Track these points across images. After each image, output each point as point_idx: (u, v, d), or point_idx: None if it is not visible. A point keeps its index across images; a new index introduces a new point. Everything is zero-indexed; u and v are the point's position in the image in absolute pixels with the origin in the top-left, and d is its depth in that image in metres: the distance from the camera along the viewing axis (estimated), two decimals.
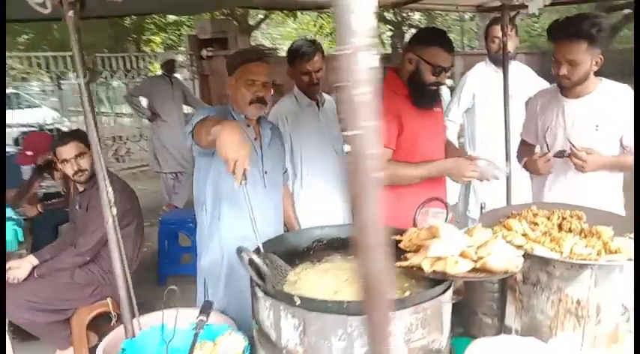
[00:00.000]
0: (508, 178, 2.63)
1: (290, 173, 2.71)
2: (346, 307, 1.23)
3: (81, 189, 2.86)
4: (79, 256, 2.72)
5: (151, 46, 16.76)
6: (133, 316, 1.51)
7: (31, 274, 2.79)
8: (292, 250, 1.68)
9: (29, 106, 13.92)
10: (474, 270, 1.29)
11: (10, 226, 3.69)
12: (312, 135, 2.75)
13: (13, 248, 3.55)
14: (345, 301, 1.23)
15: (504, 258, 1.26)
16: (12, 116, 11.81)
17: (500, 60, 3.26)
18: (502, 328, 1.58)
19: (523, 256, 1.33)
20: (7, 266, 2.91)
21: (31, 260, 2.82)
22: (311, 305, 1.24)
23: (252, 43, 11.85)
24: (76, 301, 2.77)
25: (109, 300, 2.84)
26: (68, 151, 2.70)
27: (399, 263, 1.37)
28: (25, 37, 15.49)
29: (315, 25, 15.84)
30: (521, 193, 2.76)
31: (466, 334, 1.71)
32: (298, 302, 1.24)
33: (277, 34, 19.33)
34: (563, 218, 1.52)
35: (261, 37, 15.49)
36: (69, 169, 2.73)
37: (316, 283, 1.49)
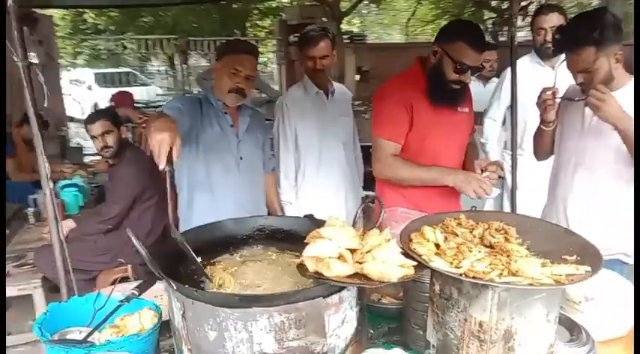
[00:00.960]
0: (513, 190, 2.42)
1: (293, 162, 2.72)
2: (215, 298, 1.24)
3: (111, 162, 3.12)
4: (102, 223, 2.99)
5: (258, 31, 17.46)
6: (68, 283, 1.64)
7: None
8: (230, 237, 1.71)
9: (143, 84, 15.29)
10: (357, 275, 1.23)
11: (71, 192, 4.12)
12: (317, 124, 2.73)
13: (74, 212, 3.97)
14: (217, 291, 1.24)
15: (382, 266, 1.17)
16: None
17: (547, 53, 2.98)
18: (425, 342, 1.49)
19: (420, 266, 1.24)
20: (48, 228, 3.28)
21: (69, 224, 3.15)
22: (186, 292, 1.27)
23: (343, 29, 11.83)
24: (99, 264, 3.04)
25: (129, 266, 3.08)
26: (96, 128, 2.95)
27: (292, 260, 1.34)
28: (145, 20, 16.89)
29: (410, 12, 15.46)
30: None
31: (401, 343, 1.64)
32: (175, 287, 1.27)
33: (370, 20, 19.11)
34: (487, 230, 1.37)
35: (348, 24, 15.44)
36: (97, 145, 2.99)
37: (227, 271, 1.51)
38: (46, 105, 1.58)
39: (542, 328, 1.28)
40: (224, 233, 1.70)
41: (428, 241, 1.32)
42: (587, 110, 2.04)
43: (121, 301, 1.56)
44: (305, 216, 1.76)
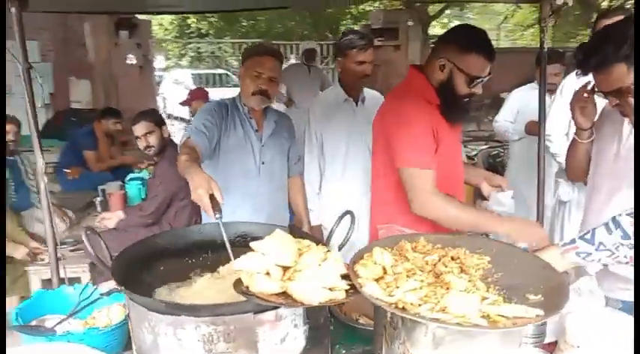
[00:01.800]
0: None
1: (318, 168, 2.69)
2: (146, 302, 1.26)
3: (155, 160, 3.30)
4: (142, 217, 3.17)
5: None
6: (58, 274, 1.75)
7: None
8: (210, 242, 1.71)
9: (235, 86, 16.03)
10: (286, 294, 1.18)
11: (136, 185, 4.40)
12: (344, 131, 2.67)
13: (135, 203, 4.25)
14: (150, 298, 1.24)
15: (304, 286, 1.11)
16: (223, 93, 13.99)
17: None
18: None
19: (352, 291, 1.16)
20: (101, 216, 3.55)
21: (119, 215, 3.38)
22: (126, 293, 1.30)
23: (430, 34, 11.52)
24: None
25: None
26: (139, 129, 3.13)
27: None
28: (242, 25, 17.73)
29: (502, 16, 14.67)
30: None
31: None
32: (120, 288, 1.30)
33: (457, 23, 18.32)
34: (443, 258, 1.24)
35: (443, 27, 14.97)
36: (141, 145, 3.17)
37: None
38: (41, 103, 1.69)
39: None
40: (203, 237, 1.71)
41: (375, 263, 1.23)
42: (626, 127, 1.79)
43: (102, 294, 1.64)
44: (289, 226, 1.74)
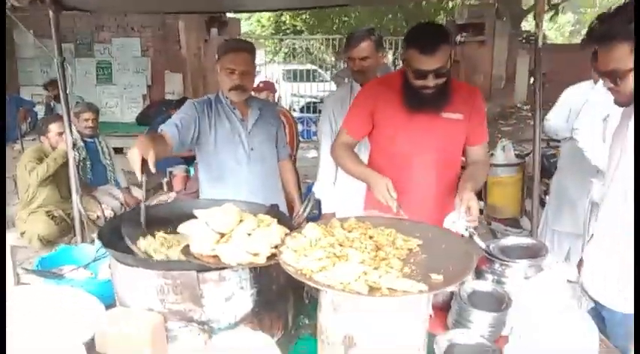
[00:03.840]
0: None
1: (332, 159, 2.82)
2: (116, 255, 1.49)
3: None
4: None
5: None
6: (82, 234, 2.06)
7: None
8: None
9: (322, 81, 16.38)
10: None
11: (183, 166, 4.78)
12: None
13: None
14: (115, 250, 1.47)
15: (226, 249, 1.28)
16: (310, 88, 14.53)
17: None
18: None
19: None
20: (159, 196, 3.97)
21: (171, 195, 3.77)
22: (103, 246, 1.55)
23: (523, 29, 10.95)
24: None
25: None
26: None
27: None
28: (333, 21, 18.01)
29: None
30: None
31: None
32: (100, 242, 1.56)
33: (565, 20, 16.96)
34: (363, 235, 1.34)
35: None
36: None
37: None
38: (68, 92, 2.01)
39: (396, 342, 1.23)
40: (184, 212, 1.88)
41: (305, 236, 1.36)
42: (631, 131, 1.70)
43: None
44: (271, 205, 1.90)
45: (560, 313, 1.54)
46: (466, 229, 1.79)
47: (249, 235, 1.37)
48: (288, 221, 1.65)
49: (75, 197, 2.28)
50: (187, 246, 1.42)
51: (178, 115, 2.27)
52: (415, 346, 1.25)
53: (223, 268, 1.41)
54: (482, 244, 1.86)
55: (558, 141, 3.90)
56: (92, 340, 1.45)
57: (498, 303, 1.65)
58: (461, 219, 1.78)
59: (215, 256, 1.35)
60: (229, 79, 2.30)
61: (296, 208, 2.71)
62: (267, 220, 1.55)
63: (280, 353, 1.31)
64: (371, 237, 1.35)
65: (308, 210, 1.67)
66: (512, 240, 1.95)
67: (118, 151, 7.26)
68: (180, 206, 1.92)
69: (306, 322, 1.77)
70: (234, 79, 2.29)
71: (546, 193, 4.21)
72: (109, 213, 3.69)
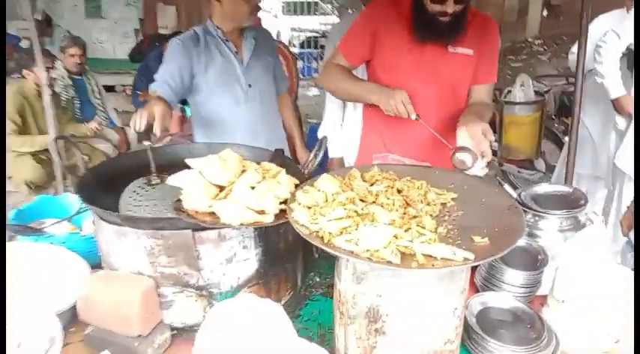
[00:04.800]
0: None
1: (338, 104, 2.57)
2: (97, 211, 1.28)
3: None
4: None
5: None
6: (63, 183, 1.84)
7: None
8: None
9: (323, 14, 15.63)
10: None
11: (179, 105, 4.49)
12: None
13: None
14: (96, 207, 1.26)
15: (224, 206, 1.06)
16: (311, 21, 13.95)
17: None
18: None
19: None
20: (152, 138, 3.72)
21: (166, 139, 3.52)
22: (81, 200, 1.33)
23: None
24: None
25: None
26: None
27: None
28: None
29: None
30: None
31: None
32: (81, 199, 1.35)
33: None
34: (389, 189, 1.12)
35: None
36: None
37: None
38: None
39: (430, 318, 1.04)
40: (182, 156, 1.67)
41: (319, 191, 1.14)
42: None
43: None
44: (275, 150, 1.67)
45: (603, 269, 1.36)
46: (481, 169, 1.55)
47: (252, 188, 1.14)
48: (296, 170, 1.43)
49: (51, 137, 2.03)
50: (180, 201, 1.20)
51: (167, 69, 1.98)
52: (452, 324, 1.06)
53: (222, 227, 1.20)
54: (513, 193, 1.66)
55: None
56: (74, 307, 1.27)
57: (532, 259, 1.47)
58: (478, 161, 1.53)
59: (212, 214, 1.13)
60: (247, 5, 2.00)
61: (299, 151, 2.48)
62: (273, 169, 1.32)
63: (289, 321, 1.13)
64: (399, 191, 1.13)
65: (320, 156, 1.43)
66: (544, 187, 1.74)
67: (110, 89, 6.96)
68: (175, 152, 1.69)
69: (317, 280, 1.60)
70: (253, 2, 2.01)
71: (565, 132, 3.97)
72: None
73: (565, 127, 4.19)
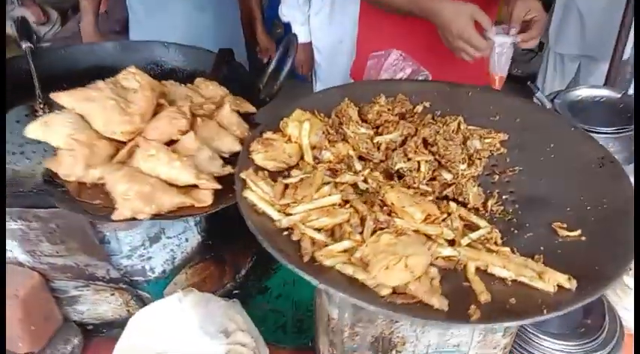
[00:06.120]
0: None
1: None
2: None
3: None
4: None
5: None
6: None
7: None
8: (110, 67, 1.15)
9: None
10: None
11: None
12: None
13: None
14: None
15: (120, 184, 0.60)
16: None
17: None
18: None
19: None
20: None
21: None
22: None
23: None
24: None
25: None
26: None
27: None
28: None
29: None
30: None
31: None
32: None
33: None
34: (412, 138, 0.66)
35: None
36: None
37: None
38: None
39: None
40: (102, 60, 1.15)
41: (288, 141, 0.67)
42: None
43: None
44: (220, 50, 1.14)
45: None
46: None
47: (175, 141, 0.67)
48: (250, 91, 0.94)
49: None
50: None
51: None
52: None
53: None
54: (548, 103, 1.24)
55: None
56: None
57: None
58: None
59: (101, 187, 0.66)
60: None
61: (259, 36, 1.94)
62: (211, 94, 0.83)
63: (243, 311, 0.76)
64: (427, 143, 0.67)
65: (289, 64, 0.93)
66: (584, 91, 1.32)
67: None
68: (75, 55, 1.14)
69: None
70: None
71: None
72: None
73: None
